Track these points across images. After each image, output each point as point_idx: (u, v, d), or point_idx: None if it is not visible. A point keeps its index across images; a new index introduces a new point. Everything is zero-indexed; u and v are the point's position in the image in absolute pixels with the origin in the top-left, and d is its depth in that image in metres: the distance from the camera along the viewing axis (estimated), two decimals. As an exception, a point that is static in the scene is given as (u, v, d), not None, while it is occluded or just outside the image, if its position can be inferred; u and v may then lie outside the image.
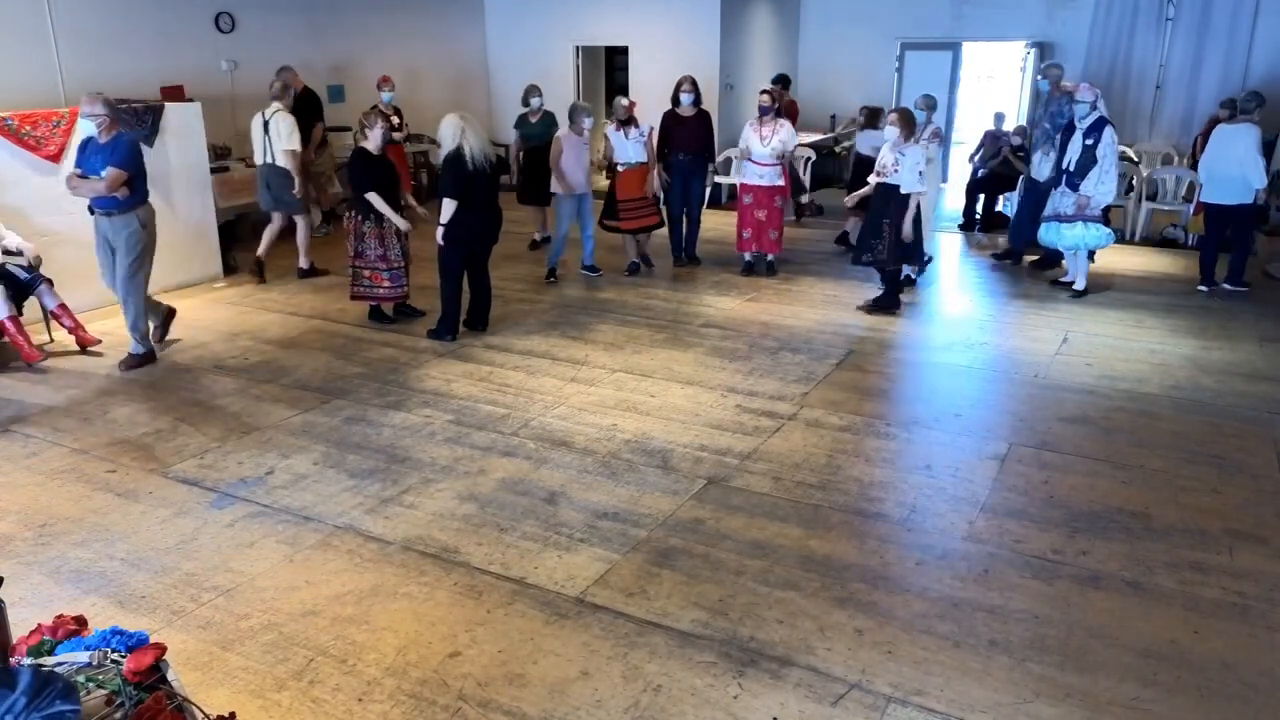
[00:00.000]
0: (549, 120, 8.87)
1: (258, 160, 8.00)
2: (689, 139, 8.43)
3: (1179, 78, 11.56)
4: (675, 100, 8.46)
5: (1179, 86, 11.55)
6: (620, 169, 8.14)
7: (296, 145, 7.83)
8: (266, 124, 7.80)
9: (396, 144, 8.81)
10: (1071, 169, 7.40)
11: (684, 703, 2.95)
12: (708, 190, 9.19)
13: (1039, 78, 8.40)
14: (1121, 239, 9.72)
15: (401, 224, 6.58)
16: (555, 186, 8.01)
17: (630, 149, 8.09)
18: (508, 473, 4.54)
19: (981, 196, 10.41)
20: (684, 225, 8.73)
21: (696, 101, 8.43)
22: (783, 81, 10.32)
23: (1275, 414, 5.26)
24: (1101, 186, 7.31)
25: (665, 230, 8.72)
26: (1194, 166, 8.92)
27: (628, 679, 3.06)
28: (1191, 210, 9.21)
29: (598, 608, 3.44)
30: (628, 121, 8.13)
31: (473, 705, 2.93)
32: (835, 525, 4.04)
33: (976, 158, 10.52)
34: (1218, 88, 10.88)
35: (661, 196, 8.39)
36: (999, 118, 10.65)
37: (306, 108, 8.87)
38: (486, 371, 5.94)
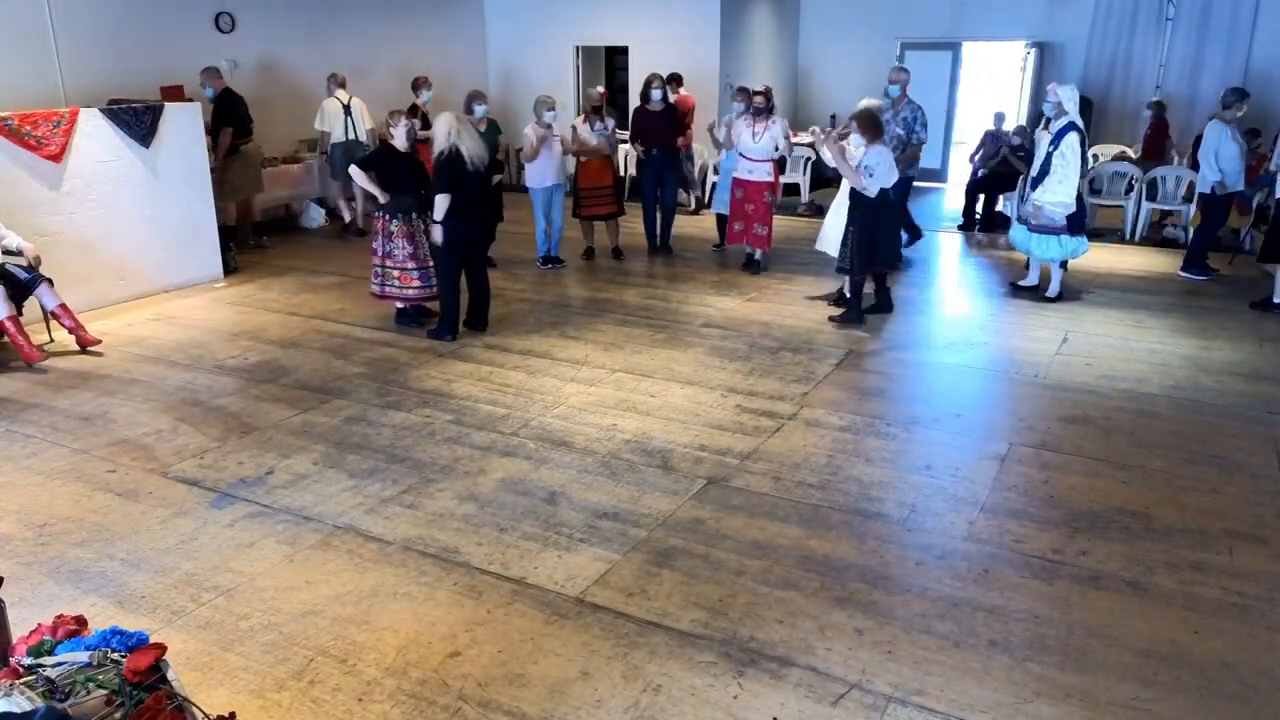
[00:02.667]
0: (495, 129, 8.61)
1: (338, 138, 9.41)
2: (659, 133, 8.83)
3: (1179, 78, 11.56)
4: (645, 97, 8.85)
5: (1179, 86, 11.56)
6: (584, 159, 8.50)
7: (373, 124, 9.58)
8: (347, 107, 9.37)
9: (422, 142, 8.77)
10: (1036, 173, 7.34)
11: (684, 703, 2.95)
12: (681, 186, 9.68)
13: (891, 84, 8.04)
14: (1121, 239, 9.76)
15: (381, 196, 6.48)
16: (528, 180, 8.33)
17: (594, 139, 8.47)
18: (508, 473, 4.54)
19: (981, 197, 10.42)
20: (659, 216, 9.14)
21: (665, 97, 8.87)
22: (676, 80, 10.57)
23: (1275, 414, 5.26)
24: (1052, 194, 7.14)
25: (641, 223, 9.17)
26: (1193, 166, 8.94)
27: (628, 679, 3.06)
28: (1192, 210, 9.21)
29: (598, 608, 3.44)
30: (595, 111, 8.54)
31: (473, 705, 2.93)
32: (835, 525, 4.04)
33: (976, 158, 10.53)
34: (1218, 88, 10.86)
35: (628, 166, 8.89)
36: (999, 118, 10.65)
37: (220, 110, 8.55)
38: (486, 371, 5.94)
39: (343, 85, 9.44)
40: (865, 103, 7.23)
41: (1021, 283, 7.82)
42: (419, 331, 6.67)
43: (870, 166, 6.56)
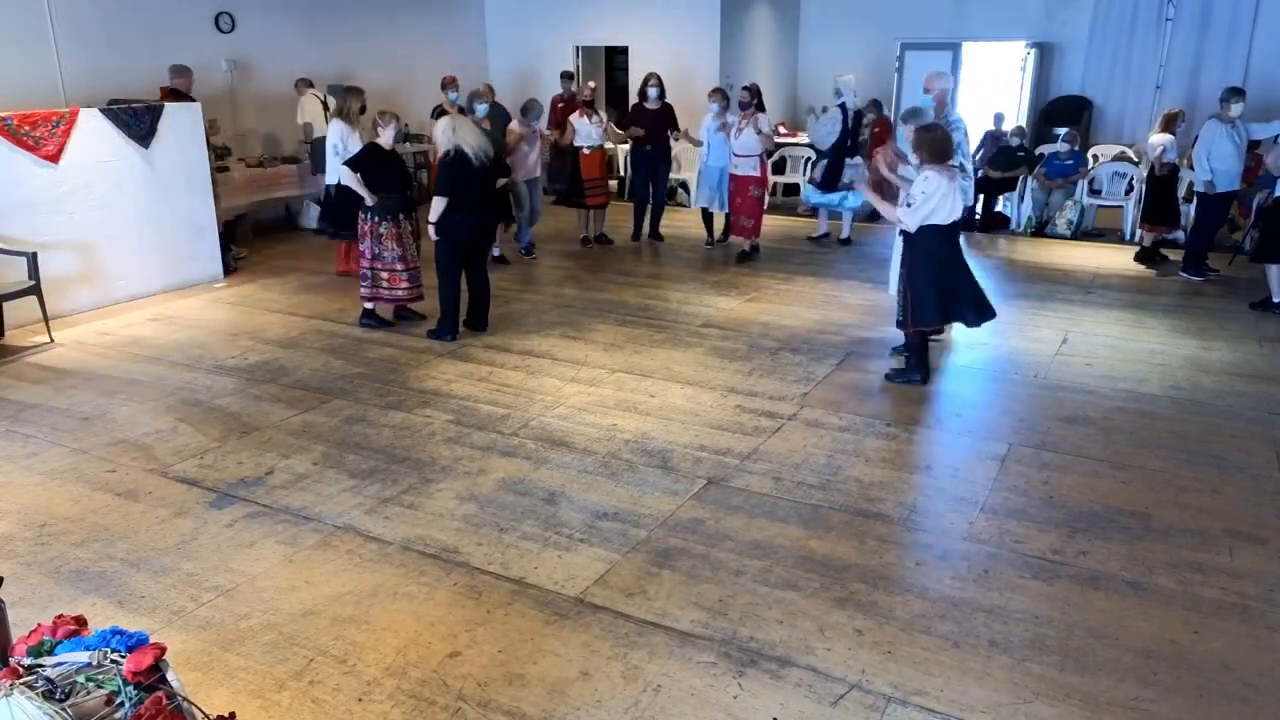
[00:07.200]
0: (503, 118, 8.75)
1: (320, 134, 9.28)
2: (655, 131, 9.26)
3: (1179, 78, 11.56)
4: (643, 95, 9.30)
5: (1179, 86, 11.56)
6: (587, 151, 8.96)
7: None
8: (325, 102, 9.60)
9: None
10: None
11: (684, 703, 2.95)
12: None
13: (925, 92, 6.94)
14: (1122, 239, 9.77)
15: (369, 198, 6.42)
16: (519, 174, 8.58)
17: (593, 133, 8.97)
18: (508, 473, 4.54)
19: (981, 197, 10.42)
20: (649, 208, 9.63)
21: (661, 96, 9.22)
22: (568, 77, 11.20)
23: (1275, 414, 5.26)
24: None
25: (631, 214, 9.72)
26: (1191, 166, 8.95)
27: (628, 679, 3.06)
28: (1191, 211, 9.21)
29: (598, 608, 3.44)
30: (588, 105, 9.06)
31: (473, 705, 2.93)
32: (835, 525, 4.04)
33: (977, 158, 10.52)
34: (1218, 88, 10.86)
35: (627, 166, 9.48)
36: (999, 118, 10.66)
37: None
38: (486, 371, 5.94)
39: (311, 85, 9.77)
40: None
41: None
42: (416, 331, 6.67)
43: (910, 196, 5.31)
